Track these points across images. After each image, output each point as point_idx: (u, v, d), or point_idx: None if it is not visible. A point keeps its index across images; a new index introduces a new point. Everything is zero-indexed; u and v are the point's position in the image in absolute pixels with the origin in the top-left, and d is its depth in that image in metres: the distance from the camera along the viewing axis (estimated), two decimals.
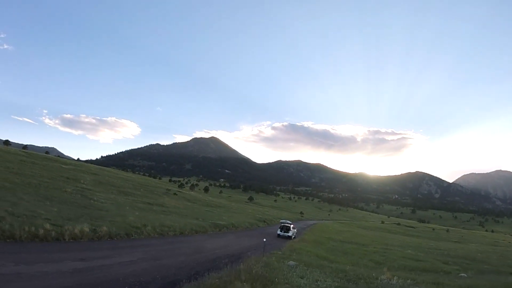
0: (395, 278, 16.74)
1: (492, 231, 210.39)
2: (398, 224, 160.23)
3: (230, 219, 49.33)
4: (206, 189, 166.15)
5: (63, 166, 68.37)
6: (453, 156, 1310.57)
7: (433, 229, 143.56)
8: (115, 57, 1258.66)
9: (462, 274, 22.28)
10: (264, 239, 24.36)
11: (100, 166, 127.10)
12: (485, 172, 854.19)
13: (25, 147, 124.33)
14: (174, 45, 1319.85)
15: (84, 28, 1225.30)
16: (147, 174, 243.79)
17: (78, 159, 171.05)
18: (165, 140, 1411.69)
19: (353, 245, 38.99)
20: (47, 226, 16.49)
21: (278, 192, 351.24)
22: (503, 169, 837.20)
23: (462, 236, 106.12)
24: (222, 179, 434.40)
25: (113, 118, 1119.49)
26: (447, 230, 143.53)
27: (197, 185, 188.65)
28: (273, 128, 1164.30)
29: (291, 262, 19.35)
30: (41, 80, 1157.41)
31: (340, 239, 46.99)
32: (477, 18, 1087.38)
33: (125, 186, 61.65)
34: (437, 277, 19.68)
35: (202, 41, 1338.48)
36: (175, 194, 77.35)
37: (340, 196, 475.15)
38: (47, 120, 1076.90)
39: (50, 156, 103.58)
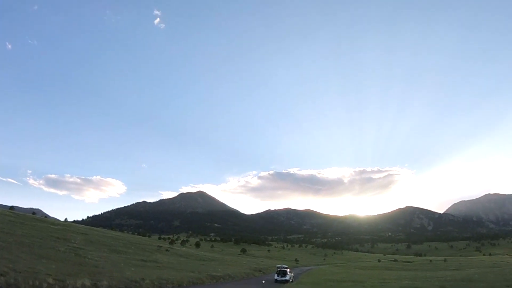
0: None
1: (490, 254, 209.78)
2: (395, 260, 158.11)
3: (225, 270, 48.62)
4: (197, 244, 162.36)
5: (52, 226, 66.96)
6: (440, 186, 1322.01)
7: (430, 260, 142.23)
8: (97, 116, 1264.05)
9: None
10: (263, 281, 24.44)
11: (88, 226, 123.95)
12: (474, 198, 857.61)
13: (11, 208, 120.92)
14: (157, 101, 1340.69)
15: (65, 88, 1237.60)
16: (136, 233, 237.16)
17: (66, 219, 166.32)
18: (151, 197, 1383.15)
19: (350, 283, 38.86)
20: (50, 280, 16.62)
21: (270, 242, 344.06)
22: (491, 192, 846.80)
23: (460, 264, 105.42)
24: (212, 234, 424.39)
25: (98, 177, 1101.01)
26: (445, 260, 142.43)
27: (187, 241, 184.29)
28: (260, 177, 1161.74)
29: None
30: (24, 140, 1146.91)
31: (337, 279, 46.66)
32: (448, 49, 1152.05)
33: (116, 244, 60.34)
34: None
35: (185, 96, 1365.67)
36: (167, 250, 75.63)
37: (334, 240, 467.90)
38: (31, 181, 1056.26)
39: (37, 216, 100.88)
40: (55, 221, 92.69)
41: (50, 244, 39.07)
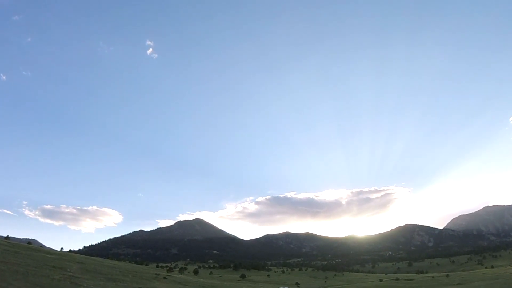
0: None
1: (492, 267, 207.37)
2: (397, 279, 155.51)
3: None
4: (195, 272, 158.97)
5: (47, 255, 65.75)
6: (439, 202, 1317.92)
7: (433, 277, 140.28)
8: (92, 146, 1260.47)
9: None
10: None
11: (85, 255, 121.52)
12: (473, 211, 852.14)
13: (6, 237, 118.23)
14: (152, 131, 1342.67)
15: (60, 119, 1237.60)
16: (133, 262, 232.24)
17: (62, 249, 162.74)
18: (148, 226, 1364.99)
19: None
20: None
21: (270, 267, 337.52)
22: (490, 204, 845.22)
23: (463, 278, 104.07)
24: (210, 260, 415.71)
25: (94, 207, 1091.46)
26: (447, 275, 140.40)
27: (185, 268, 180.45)
28: (257, 203, 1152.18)
29: None
30: (20, 171, 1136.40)
31: None
32: (436, 65, 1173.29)
33: (113, 273, 59.03)
34: None
35: (179, 125, 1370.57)
36: (165, 278, 74.10)
37: (334, 262, 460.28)
38: (27, 212, 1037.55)
39: (33, 246, 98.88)
40: (50, 251, 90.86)
41: (45, 273, 38.23)
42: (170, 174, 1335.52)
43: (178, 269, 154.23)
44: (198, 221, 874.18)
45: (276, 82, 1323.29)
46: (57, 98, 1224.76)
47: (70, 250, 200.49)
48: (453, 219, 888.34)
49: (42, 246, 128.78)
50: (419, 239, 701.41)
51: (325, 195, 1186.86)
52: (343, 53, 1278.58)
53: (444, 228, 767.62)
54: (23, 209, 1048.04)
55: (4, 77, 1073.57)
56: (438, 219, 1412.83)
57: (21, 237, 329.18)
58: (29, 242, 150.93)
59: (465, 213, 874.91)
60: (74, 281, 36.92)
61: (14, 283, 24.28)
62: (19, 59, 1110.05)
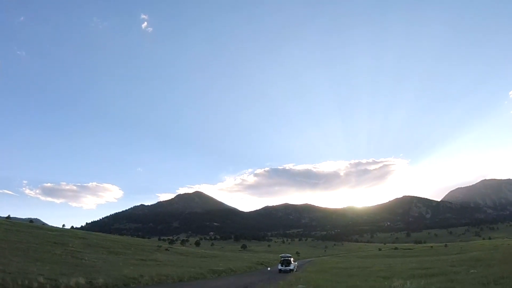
0: (408, 283, 16.43)
1: (490, 238, 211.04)
2: (396, 248, 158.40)
3: (227, 265, 47.66)
4: (197, 243, 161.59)
5: (49, 232, 65.86)
6: (436, 174, 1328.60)
7: (431, 246, 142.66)
8: (90, 122, 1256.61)
9: (472, 271, 21.99)
10: (269, 268, 23.67)
11: (87, 231, 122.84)
12: (471, 184, 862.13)
13: (8, 217, 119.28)
14: (149, 104, 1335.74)
15: (56, 96, 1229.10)
16: (135, 236, 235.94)
17: (63, 225, 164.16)
18: (149, 200, 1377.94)
19: (357, 269, 37.96)
20: (41, 279, 15.71)
21: (270, 238, 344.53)
22: (488, 178, 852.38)
23: (461, 248, 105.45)
24: (211, 233, 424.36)
25: (94, 183, 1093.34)
26: (445, 245, 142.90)
27: (187, 240, 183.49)
28: (256, 175, 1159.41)
29: (300, 286, 18.73)
30: (19, 151, 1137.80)
31: (341, 266, 45.80)
32: (438, 35, 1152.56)
33: (115, 246, 59.26)
34: (449, 277, 19.39)
35: (177, 98, 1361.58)
36: (166, 249, 74.70)
37: (333, 232, 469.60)
38: (27, 191, 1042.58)
39: (34, 224, 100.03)
40: (52, 228, 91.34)
41: (46, 249, 38.10)
42: (168, 147, 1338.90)
43: (180, 241, 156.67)
44: (198, 194, 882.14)
45: (273, 54, 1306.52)
46: (52, 77, 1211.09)
47: (71, 227, 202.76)
48: (451, 191, 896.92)
49: (44, 224, 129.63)
50: (416, 210, 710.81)
51: (323, 167, 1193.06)
52: (340, 21, 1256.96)
53: (441, 200, 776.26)
54: (24, 189, 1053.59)
55: None
56: (435, 191, 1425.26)
57: (23, 217, 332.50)
58: (31, 221, 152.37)
59: (462, 186, 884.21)
60: (76, 255, 36.73)
61: (14, 259, 23.90)
62: (12, 39, 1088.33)
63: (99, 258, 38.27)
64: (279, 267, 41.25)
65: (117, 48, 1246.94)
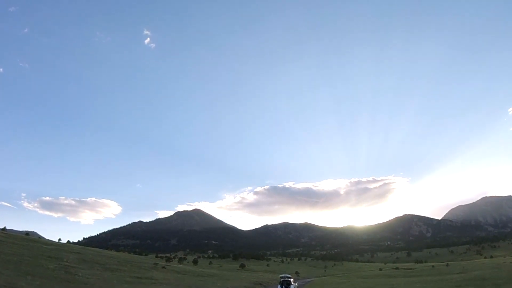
0: None
1: (491, 257, 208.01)
2: (397, 268, 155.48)
3: (225, 284, 46.44)
4: (195, 261, 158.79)
5: (44, 246, 64.64)
6: (437, 192, 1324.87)
7: (433, 266, 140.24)
8: (91, 138, 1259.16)
9: None
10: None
11: (83, 246, 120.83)
12: (471, 202, 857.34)
13: (3, 228, 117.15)
14: (150, 121, 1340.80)
15: (58, 110, 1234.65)
16: (132, 253, 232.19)
17: (59, 239, 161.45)
18: (147, 217, 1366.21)
19: None
20: None
21: (269, 257, 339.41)
22: (488, 195, 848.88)
23: (463, 267, 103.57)
24: (209, 251, 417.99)
25: (93, 199, 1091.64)
26: (447, 265, 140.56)
27: (185, 258, 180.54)
28: (255, 193, 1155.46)
29: None
30: (18, 163, 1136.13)
31: None
32: (436, 54, 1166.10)
33: (110, 263, 57.96)
34: None
35: (177, 115, 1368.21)
36: (163, 267, 73.10)
37: (333, 252, 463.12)
38: (26, 204, 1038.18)
39: (30, 237, 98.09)
40: (48, 241, 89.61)
41: (39, 262, 37.17)
42: (168, 165, 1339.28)
43: (177, 259, 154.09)
44: (197, 212, 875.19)
45: (275, 73, 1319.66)
46: (54, 90, 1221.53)
47: (68, 241, 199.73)
48: (451, 209, 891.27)
49: (40, 237, 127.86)
50: (417, 229, 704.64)
51: (323, 185, 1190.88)
52: (342, 42, 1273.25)
53: (442, 219, 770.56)
54: (22, 201, 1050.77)
55: (1, 69, 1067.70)
56: (436, 210, 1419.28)
57: (20, 229, 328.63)
58: (27, 233, 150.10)
59: (463, 204, 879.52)
60: (70, 270, 35.77)
61: (4, 272, 23.15)
62: (16, 51, 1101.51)
63: (94, 274, 37.28)
64: (279, 287, 40.08)
65: (120, 63, 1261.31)
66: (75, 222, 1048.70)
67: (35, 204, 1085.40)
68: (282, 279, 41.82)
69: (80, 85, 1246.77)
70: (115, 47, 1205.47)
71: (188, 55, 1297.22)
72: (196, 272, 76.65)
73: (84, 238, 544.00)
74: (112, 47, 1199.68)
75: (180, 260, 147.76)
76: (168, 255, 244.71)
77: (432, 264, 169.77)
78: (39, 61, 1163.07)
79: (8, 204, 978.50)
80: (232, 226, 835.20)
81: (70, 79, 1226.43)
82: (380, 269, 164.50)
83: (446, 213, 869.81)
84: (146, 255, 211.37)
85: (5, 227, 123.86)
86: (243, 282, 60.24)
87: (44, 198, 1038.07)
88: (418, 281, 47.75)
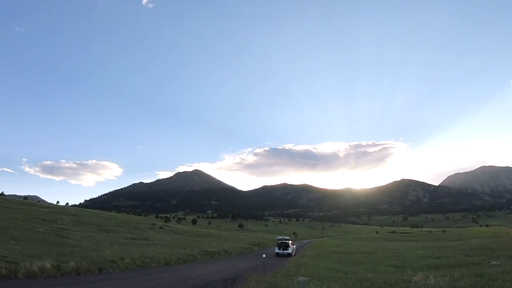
0: (431, 277, 13.92)
1: (487, 225, 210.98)
2: (393, 232, 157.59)
3: (221, 245, 45.15)
4: (194, 221, 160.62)
5: (41, 209, 63.96)
6: (435, 159, 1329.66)
7: (430, 231, 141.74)
8: (90, 100, 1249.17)
9: (494, 262, 19.55)
10: (264, 255, 21.08)
11: (81, 208, 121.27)
12: (469, 170, 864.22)
13: (1, 193, 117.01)
14: (150, 82, 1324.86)
15: (56, 73, 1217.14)
16: (132, 213, 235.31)
17: (57, 202, 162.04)
18: (148, 178, 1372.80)
19: (360, 255, 35.22)
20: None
21: (267, 217, 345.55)
22: (486, 164, 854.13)
23: (460, 234, 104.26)
24: (209, 211, 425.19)
25: (94, 161, 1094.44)
26: (444, 231, 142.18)
27: (184, 218, 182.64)
28: (255, 154, 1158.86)
29: (302, 278, 16.26)
30: (18, 128, 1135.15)
31: (342, 251, 43.14)
32: (441, 21, 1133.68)
33: (107, 224, 57.18)
34: (471, 270, 16.96)
35: (178, 76, 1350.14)
36: (161, 228, 72.76)
37: (330, 214, 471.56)
38: (27, 168, 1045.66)
39: (27, 201, 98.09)
40: (45, 204, 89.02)
41: (30, 226, 36.07)
42: (168, 125, 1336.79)
43: (176, 220, 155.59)
44: (197, 173, 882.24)
45: (275, 33, 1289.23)
46: (52, 52, 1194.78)
47: (66, 204, 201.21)
48: (449, 176, 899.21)
49: (39, 201, 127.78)
50: (414, 194, 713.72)
51: (323, 148, 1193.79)
52: (346, 6, 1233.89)
53: (439, 185, 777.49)
54: (23, 166, 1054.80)
55: None
56: (433, 176, 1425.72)
57: (22, 194, 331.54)
58: (26, 198, 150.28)
59: (461, 172, 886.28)
60: (61, 233, 34.49)
61: None
62: (11, 15, 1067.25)
63: (86, 236, 35.99)
64: (276, 250, 38.67)
65: (117, 24, 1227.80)
66: (76, 185, 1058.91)
67: (36, 169, 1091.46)
68: (280, 242, 40.44)
69: (78, 48, 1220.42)
70: (112, 8, 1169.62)
71: (187, 16, 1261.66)
72: (194, 232, 76.43)
73: (85, 200, 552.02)
74: (109, 8, 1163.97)
75: (179, 221, 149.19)
76: (168, 215, 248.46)
77: (429, 229, 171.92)
78: (35, 24, 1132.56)
79: (10, 170, 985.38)
80: (232, 186, 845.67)
81: (67, 41, 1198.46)
82: (377, 232, 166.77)
83: (444, 180, 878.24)
84: (145, 215, 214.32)
85: (2, 192, 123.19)
86: (241, 242, 59.63)
87: (45, 162, 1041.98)
88: (420, 246, 46.78)
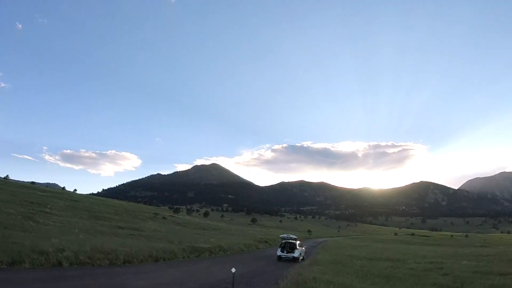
0: None
1: (508, 232, 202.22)
2: (412, 234, 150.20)
3: (219, 241, 39.00)
4: (206, 214, 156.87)
5: (38, 193, 61.00)
6: (455, 162, 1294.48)
7: (452, 235, 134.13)
8: (112, 90, 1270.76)
9: None
10: (233, 270, 13.52)
11: (88, 195, 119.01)
12: (489, 175, 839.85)
13: (6, 177, 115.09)
14: (172, 75, 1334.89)
15: (79, 64, 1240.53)
16: (148, 204, 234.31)
17: (64, 188, 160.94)
18: (166, 170, 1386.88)
19: (388, 263, 27.74)
20: None
21: (283, 213, 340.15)
22: (507, 170, 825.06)
23: (484, 240, 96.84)
24: (225, 204, 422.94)
25: (113, 151, 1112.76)
26: (466, 236, 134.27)
27: (197, 210, 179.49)
28: (273, 150, 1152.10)
29: None
30: (39, 117, 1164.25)
31: (364, 255, 34.85)
32: (467, 19, 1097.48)
33: (104, 211, 53.52)
34: None
35: (199, 71, 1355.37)
36: (164, 218, 68.83)
37: (347, 212, 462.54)
38: (47, 157, 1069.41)
39: (28, 184, 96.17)
40: (45, 189, 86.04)
41: (5, 207, 32.29)
42: (188, 119, 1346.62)
43: (185, 210, 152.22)
44: (214, 166, 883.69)
45: (297, 33, 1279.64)
46: (75, 44, 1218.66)
47: (91, 193, 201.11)
48: (469, 180, 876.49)
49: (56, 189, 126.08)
50: (433, 197, 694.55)
51: (341, 146, 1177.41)
52: (365, 4, 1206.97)
53: (458, 189, 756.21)
54: (44, 154, 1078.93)
55: (20, 26, 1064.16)
56: (453, 179, 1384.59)
57: (42, 182, 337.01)
58: (33, 182, 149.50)
59: (481, 176, 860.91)
60: (35, 217, 30.47)
61: None
62: (34, 7, 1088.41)
63: (64, 221, 31.88)
64: (279, 253, 30.19)
65: (141, 17, 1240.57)
66: (95, 174, 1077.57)
67: (57, 157, 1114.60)
68: (284, 241, 31.87)
69: (101, 39, 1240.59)
70: (136, 2, 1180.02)
71: (211, 11, 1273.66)
72: (199, 224, 72.07)
73: (103, 189, 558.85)
74: (133, 1, 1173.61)
75: (189, 212, 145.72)
76: (184, 207, 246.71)
77: (450, 233, 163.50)
78: (58, 15, 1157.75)
79: (31, 158, 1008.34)
80: (249, 181, 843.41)
81: (90, 34, 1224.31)
82: (395, 234, 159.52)
83: (463, 184, 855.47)
84: (158, 206, 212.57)
85: (7, 175, 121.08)
86: (246, 238, 54.31)
87: (65, 151, 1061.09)
88: (452, 253, 40.60)
